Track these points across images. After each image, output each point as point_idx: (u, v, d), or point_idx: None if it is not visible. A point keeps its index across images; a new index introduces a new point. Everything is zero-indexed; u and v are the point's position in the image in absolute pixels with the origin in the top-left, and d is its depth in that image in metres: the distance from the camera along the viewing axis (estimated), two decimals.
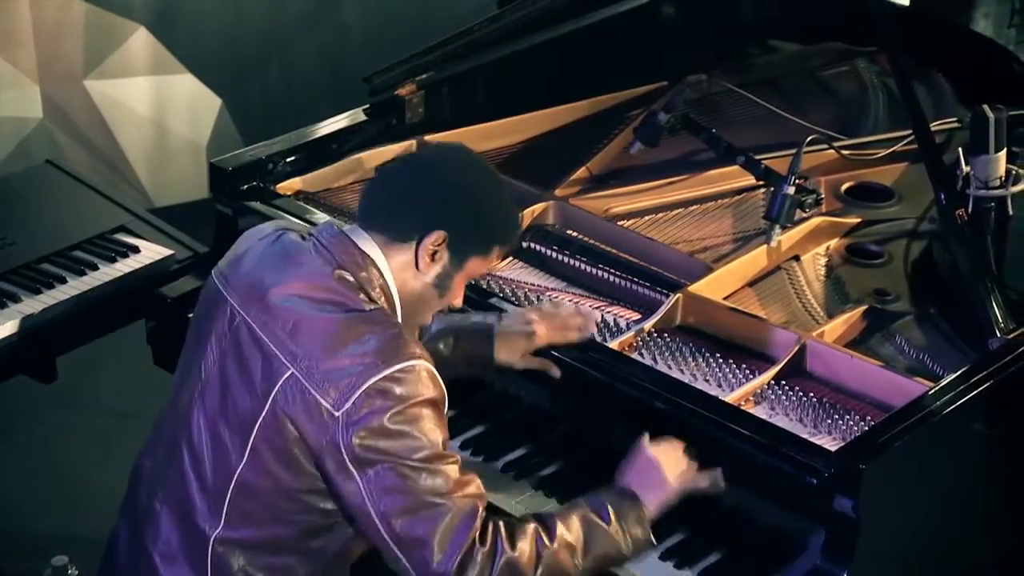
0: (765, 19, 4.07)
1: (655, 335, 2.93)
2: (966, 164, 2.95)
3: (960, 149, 3.01)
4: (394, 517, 2.40)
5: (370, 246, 2.53)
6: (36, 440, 4.28)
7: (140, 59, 4.99)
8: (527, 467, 2.85)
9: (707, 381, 2.83)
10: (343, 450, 2.39)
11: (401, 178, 2.61)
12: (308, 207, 3.27)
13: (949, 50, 3.80)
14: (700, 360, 2.87)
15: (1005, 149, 2.94)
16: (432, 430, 2.42)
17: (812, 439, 2.63)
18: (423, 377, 2.42)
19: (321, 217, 3.19)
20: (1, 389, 3.37)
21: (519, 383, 2.92)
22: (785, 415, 2.75)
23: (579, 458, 2.85)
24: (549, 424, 2.90)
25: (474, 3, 4.67)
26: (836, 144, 3.38)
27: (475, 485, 2.45)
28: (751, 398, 2.78)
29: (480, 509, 2.43)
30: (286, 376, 2.43)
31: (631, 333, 2.91)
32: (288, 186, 3.36)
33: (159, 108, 5.07)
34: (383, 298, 2.52)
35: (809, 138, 3.19)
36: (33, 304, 3.28)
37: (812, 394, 2.77)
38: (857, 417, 2.72)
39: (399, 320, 2.54)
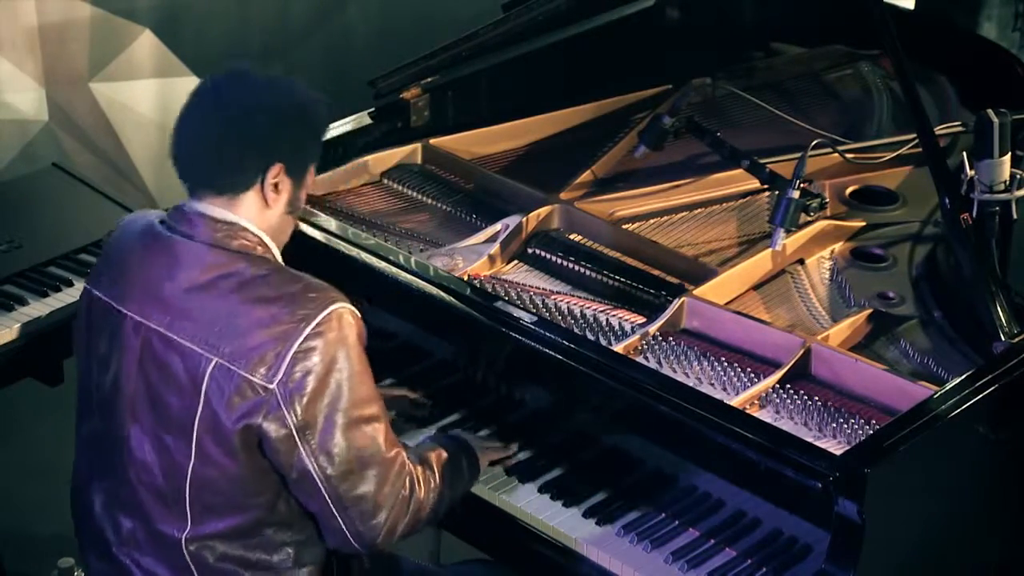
0: (769, 22, 4.07)
1: (659, 338, 2.93)
2: (970, 168, 2.96)
3: (964, 153, 3.02)
4: (337, 478, 2.47)
5: (221, 212, 2.54)
6: (43, 443, 4.28)
7: (145, 62, 4.99)
8: (531, 470, 2.86)
9: (712, 384, 2.84)
10: (285, 419, 2.44)
11: (210, 133, 2.53)
12: (313, 210, 3.27)
13: (953, 54, 3.80)
14: (705, 363, 2.88)
15: (1009, 153, 2.95)
16: (364, 374, 2.49)
17: (817, 443, 2.63)
18: (344, 319, 2.47)
19: (326, 220, 3.19)
20: (8, 392, 3.38)
21: (523, 387, 2.93)
22: (790, 418, 2.76)
23: (583, 461, 2.85)
24: (553, 428, 2.90)
25: (478, 6, 4.67)
26: (840, 148, 3.38)
27: (395, 438, 2.56)
28: (756, 401, 2.79)
29: (408, 463, 2.54)
30: (211, 368, 2.46)
31: (635, 336, 2.92)
32: None
33: (164, 111, 5.07)
34: (266, 253, 2.56)
35: (814, 142, 3.19)
36: (40, 307, 3.29)
37: (817, 398, 2.78)
38: (862, 421, 2.73)
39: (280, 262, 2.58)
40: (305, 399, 2.44)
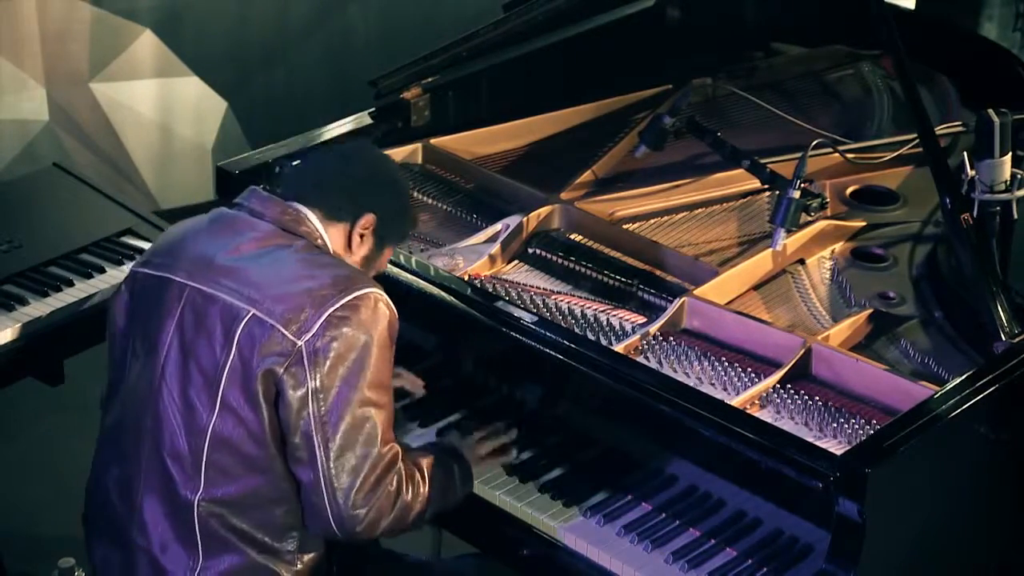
0: (769, 22, 4.07)
1: (660, 338, 2.93)
2: (971, 168, 2.96)
3: (965, 153, 3.02)
4: (335, 451, 2.54)
5: (306, 211, 2.70)
6: (44, 442, 4.29)
7: (146, 62, 5.00)
8: (533, 470, 2.86)
9: (712, 384, 2.84)
10: (305, 378, 2.53)
11: (336, 163, 2.77)
12: None
13: (954, 53, 3.80)
14: (705, 363, 2.88)
15: (1010, 153, 2.95)
16: (386, 361, 2.60)
17: (817, 443, 2.63)
18: (379, 305, 2.60)
19: None
20: (9, 392, 3.38)
21: (523, 387, 2.93)
22: (790, 418, 2.76)
23: (584, 461, 2.85)
24: (554, 428, 2.90)
25: (479, 6, 4.68)
26: (841, 148, 3.38)
27: (393, 435, 2.63)
28: (756, 401, 2.79)
29: (399, 462, 2.60)
30: (247, 318, 2.57)
31: (636, 336, 2.92)
32: None
33: (165, 111, 5.08)
34: (324, 246, 2.69)
35: (814, 142, 3.19)
36: (40, 307, 3.29)
37: (817, 398, 2.78)
38: (862, 421, 2.73)
39: None
40: (328, 363, 2.53)
